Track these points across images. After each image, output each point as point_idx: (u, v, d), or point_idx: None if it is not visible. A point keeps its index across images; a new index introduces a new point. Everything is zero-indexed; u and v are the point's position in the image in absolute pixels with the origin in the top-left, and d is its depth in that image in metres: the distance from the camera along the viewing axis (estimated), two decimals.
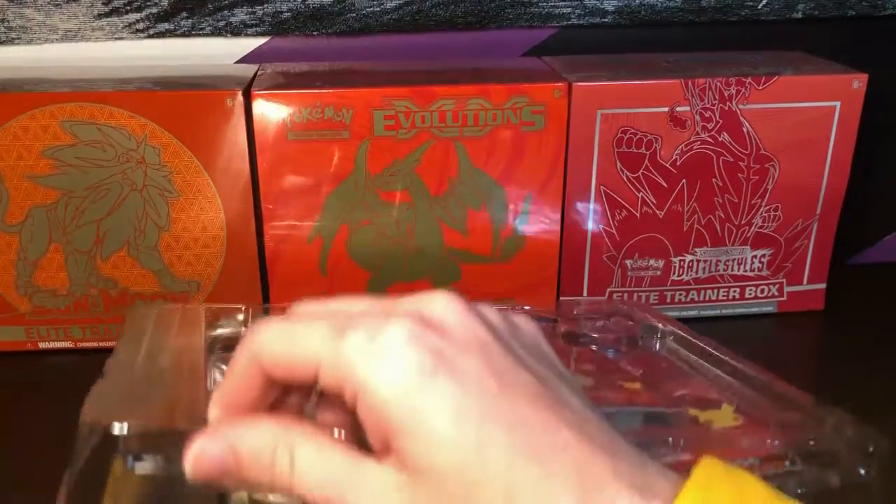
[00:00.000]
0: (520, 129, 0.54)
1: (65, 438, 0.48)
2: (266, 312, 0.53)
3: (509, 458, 0.25)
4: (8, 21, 0.60)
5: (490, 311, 0.31)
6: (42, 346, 0.56)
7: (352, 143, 0.53)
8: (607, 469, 0.25)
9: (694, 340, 0.48)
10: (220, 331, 0.45)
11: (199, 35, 0.62)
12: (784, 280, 0.60)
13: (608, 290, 0.59)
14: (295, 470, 0.28)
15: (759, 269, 0.59)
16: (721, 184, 0.56)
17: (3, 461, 0.46)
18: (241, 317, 0.46)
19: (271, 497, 0.33)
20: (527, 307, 0.53)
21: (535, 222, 0.56)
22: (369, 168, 0.53)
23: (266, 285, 0.56)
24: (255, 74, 0.56)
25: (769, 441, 0.40)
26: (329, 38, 0.63)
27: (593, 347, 0.49)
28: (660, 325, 0.51)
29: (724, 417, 0.43)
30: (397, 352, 0.26)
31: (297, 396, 0.31)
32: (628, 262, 0.58)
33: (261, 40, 0.63)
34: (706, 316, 0.60)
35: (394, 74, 0.57)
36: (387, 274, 0.56)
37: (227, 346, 0.45)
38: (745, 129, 0.55)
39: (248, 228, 0.54)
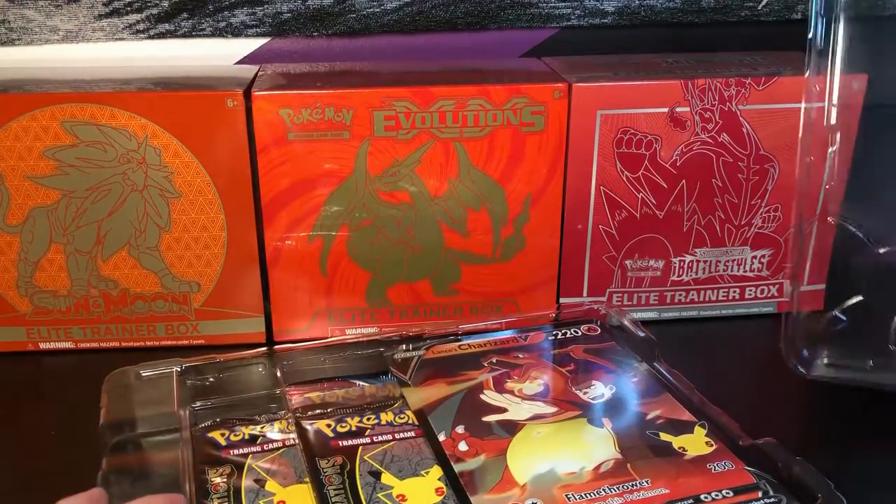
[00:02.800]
0: (520, 129, 0.54)
1: (65, 438, 0.48)
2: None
3: None
4: (9, 22, 0.60)
5: None
6: (42, 346, 0.56)
7: (352, 143, 0.53)
8: None
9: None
10: None
11: (199, 36, 0.62)
12: (784, 280, 0.60)
13: (608, 290, 0.59)
14: None
15: (759, 270, 0.59)
16: (721, 184, 0.56)
17: (4, 461, 0.46)
18: None
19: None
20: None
21: (534, 223, 0.56)
22: (369, 168, 0.53)
23: (266, 286, 0.56)
24: (256, 75, 0.56)
25: (742, 470, 0.41)
26: (329, 39, 0.63)
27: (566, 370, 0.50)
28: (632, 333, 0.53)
29: (696, 443, 0.43)
30: None
31: None
32: (628, 262, 0.58)
33: (261, 41, 0.63)
34: (706, 316, 0.61)
35: (394, 75, 0.57)
36: (387, 274, 0.56)
37: None
38: (744, 130, 0.55)
39: (249, 229, 0.54)
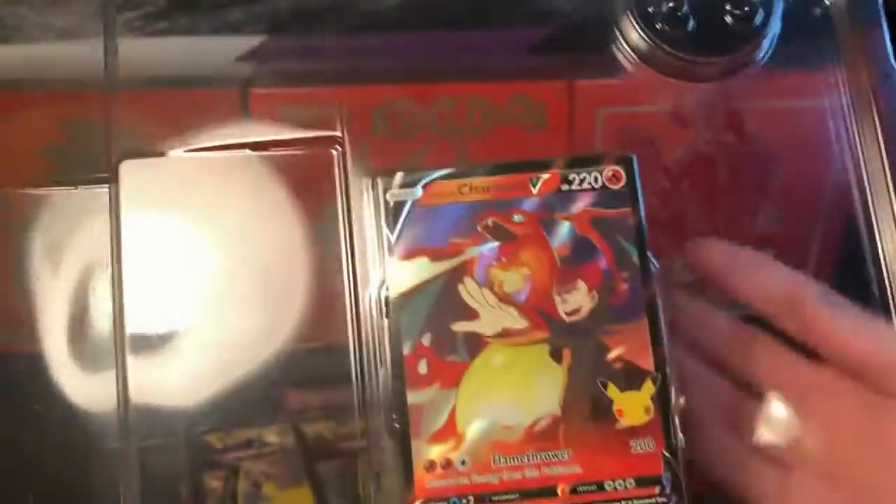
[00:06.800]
0: (521, 128, 0.53)
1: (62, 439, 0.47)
2: None
3: None
4: (2, 19, 0.60)
5: None
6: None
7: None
8: None
9: None
10: None
11: (196, 33, 0.61)
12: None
13: None
14: None
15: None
16: (724, 184, 0.56)
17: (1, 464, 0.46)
18: None
19: None
20: None
21: None
22: (368, 168, 0.53)
23: None
24: (253, 73, 0.55)
25: (658, 454, 0.39)
26: (328, 37, 0.63)
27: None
28: None
29: (637, 406, 0.40)
30: None
31: None
32: None
33: (258, 38, 0.62)
34: None
35: (393, 73, 0.56)
36: None
37: None
38: (748, 129, 0.55)
39: None
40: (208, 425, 0.44)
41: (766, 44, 0.53)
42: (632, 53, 0.53)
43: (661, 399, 0.40)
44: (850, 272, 0.58)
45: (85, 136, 0.50)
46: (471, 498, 0.38)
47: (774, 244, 0.58)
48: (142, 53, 0.61)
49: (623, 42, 0.53)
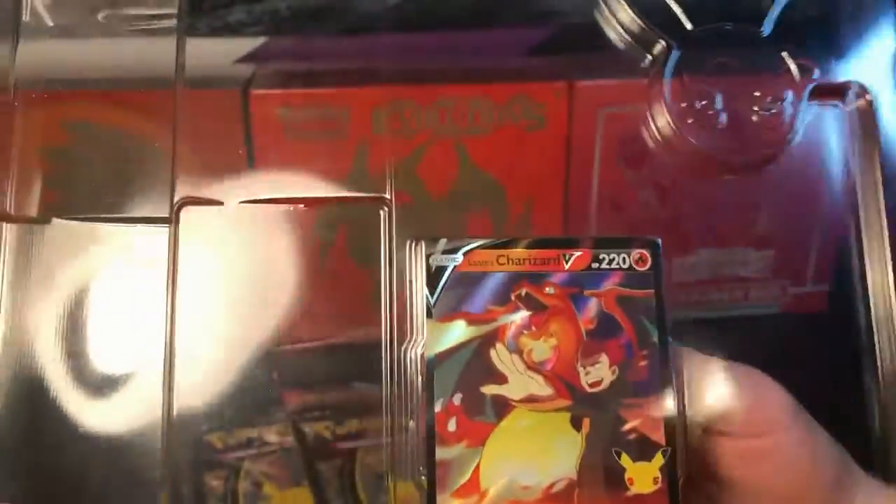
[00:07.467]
0: (521, 128, 0.53)
1: None
2: None
3: None
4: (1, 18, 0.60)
5: None
6: None
7: (351, 142, 0.52)
8: None
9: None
10: None
11: (195, 34, 0.61)
12: (787, 281, 0.59)
13: None
14: None
15: (762, 271, 0.59)
16: (724, 183, 0.56)
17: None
18: None
19: None
20: None
21: (536, 223, 0.55)
22: (368, 168, 0.53)
23: None
24: (253, 74, 0.55)
25: None
26: (328, 37, 0.63)
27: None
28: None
29: (646, 476, 0.42)
30: None
31: None
32: None
33: (259, 39, 0.62)
34: (708, 318, 0.60)
35: (394, 73, 0.56)
36: None
37: None
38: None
39: None
40: (209, 425, 0.44)
41: None
42: None
43: (669, 471, 0.42)
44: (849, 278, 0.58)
45: None
46: None
47: (773, 246, 0.58)
48: (141, 54, 0.61)
49: None
